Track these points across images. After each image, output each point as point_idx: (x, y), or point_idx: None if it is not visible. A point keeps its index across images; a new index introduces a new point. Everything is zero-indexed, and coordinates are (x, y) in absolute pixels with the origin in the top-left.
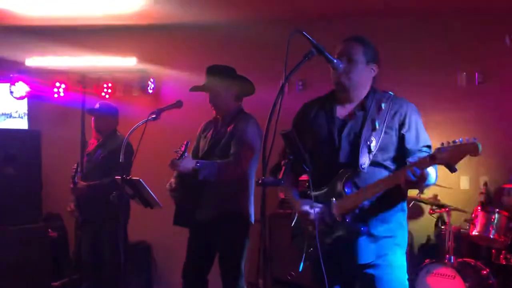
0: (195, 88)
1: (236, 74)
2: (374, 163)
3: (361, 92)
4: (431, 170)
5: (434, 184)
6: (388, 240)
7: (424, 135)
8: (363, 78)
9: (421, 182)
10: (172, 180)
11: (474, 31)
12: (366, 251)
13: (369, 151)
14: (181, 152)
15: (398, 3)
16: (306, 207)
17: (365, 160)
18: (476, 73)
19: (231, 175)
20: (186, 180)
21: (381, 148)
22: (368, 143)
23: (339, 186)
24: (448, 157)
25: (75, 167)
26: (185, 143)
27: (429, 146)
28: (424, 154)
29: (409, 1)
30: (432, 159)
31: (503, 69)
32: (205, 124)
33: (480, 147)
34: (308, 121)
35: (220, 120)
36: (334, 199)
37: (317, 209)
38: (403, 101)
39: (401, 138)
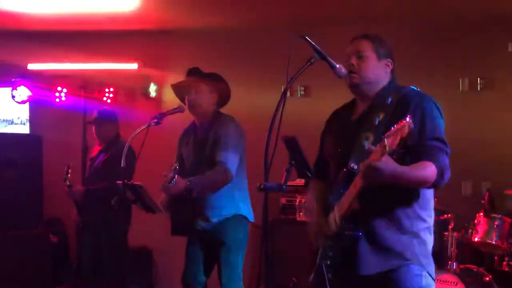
0: (178, 84)
1: (219, 77)
2: None
3: (376, 89)
4: (405, 168)
5: (419, 181)
6: (396, 253)
7: (433, 126)
8: (377, 74)
9: (372, 174)
10: (163, 198)
11: (476, 37)
12: (368, 260)
13: (363, 149)
14: (170, 176)
15: (400, 8)
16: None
17: (356, 159)
18: (479, 79)
19: (222, 183)
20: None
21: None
22: (365, 140)
23: (338, 189)
24: (391, 143)
25: (65, 169)
26: (172, 168)
27: (438, 139)
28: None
29: (410, 6)
30: (382, 147)
31: (505, 75)
32: (183, 132)
33: (408, 125)
34: (327, 127)
35: (199, 125)
36: (336, 202)
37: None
38: (414, 92)
39: None
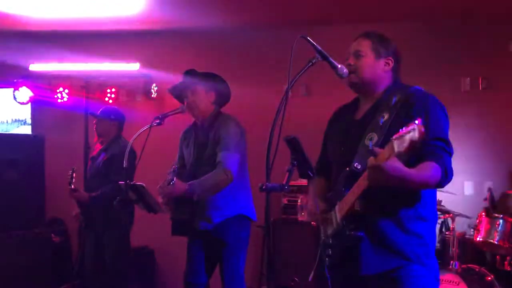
0: (174, 87)
1: (216, 77)
2: None
3: (378, 88)
4: (409, 169)
5: (422, 184)
6: (397, 253)
7: (437, 126)
8: (374, 73)
9: (378, 176)
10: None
11: (478, 36)
12: (369, 261)
13: (367, 149)
14: (169, 179)
15: (401, 8)
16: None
17: (360, 159)
18: (480, 79)
19: (224, 184)
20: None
21: (383, 146)
22: (369, 141)
23: (340, 188)
24: (399, 145)
25: (70, 173)
26: (171, 170)
27: (441, 139)
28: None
29: (411, 6)
30: (390, 149)
31: (507, 74)
32: (184, 132)
33: (419, 128)
34: (330, 126)
35: (199, 126)
36: (338, 202)
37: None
38: (419, 92)
39: None
